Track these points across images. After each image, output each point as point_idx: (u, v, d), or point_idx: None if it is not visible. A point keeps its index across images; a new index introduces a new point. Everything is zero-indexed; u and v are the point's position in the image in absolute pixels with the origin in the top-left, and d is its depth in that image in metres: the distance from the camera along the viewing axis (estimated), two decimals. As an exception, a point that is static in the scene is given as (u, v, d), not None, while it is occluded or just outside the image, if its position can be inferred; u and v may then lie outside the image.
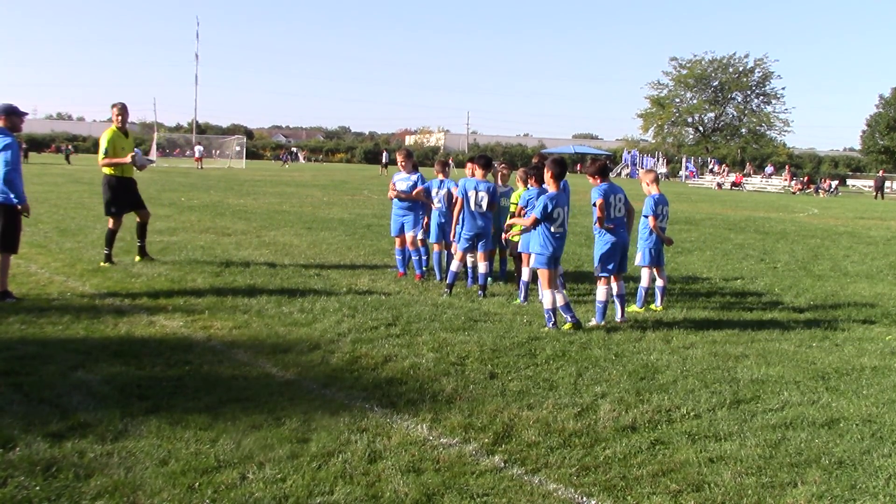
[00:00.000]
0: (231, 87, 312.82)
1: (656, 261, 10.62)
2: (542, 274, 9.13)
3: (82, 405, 5.98)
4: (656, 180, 10.83)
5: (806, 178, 70.09)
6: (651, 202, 10.54)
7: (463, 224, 10.90)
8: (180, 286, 10.79)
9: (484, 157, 11.24)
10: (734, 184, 68.64)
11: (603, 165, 9.88)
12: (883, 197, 59.80)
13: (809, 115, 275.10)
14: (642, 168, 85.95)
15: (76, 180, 36.58)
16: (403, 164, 12.36)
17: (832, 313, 10.89)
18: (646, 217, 10.54)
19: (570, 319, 9.09)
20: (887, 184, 66.35)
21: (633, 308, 10.44)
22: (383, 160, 71.60)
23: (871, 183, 67.38)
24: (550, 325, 9.04)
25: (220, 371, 7.07)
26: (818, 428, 6.18)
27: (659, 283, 10.71)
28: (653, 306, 10.59)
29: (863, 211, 38.84)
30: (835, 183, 66.97)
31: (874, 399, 6.99)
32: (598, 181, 9.62)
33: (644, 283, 10.63)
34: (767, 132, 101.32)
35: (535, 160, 11.88)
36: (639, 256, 10.63)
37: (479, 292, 10.93)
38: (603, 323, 9.44)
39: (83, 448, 5.18)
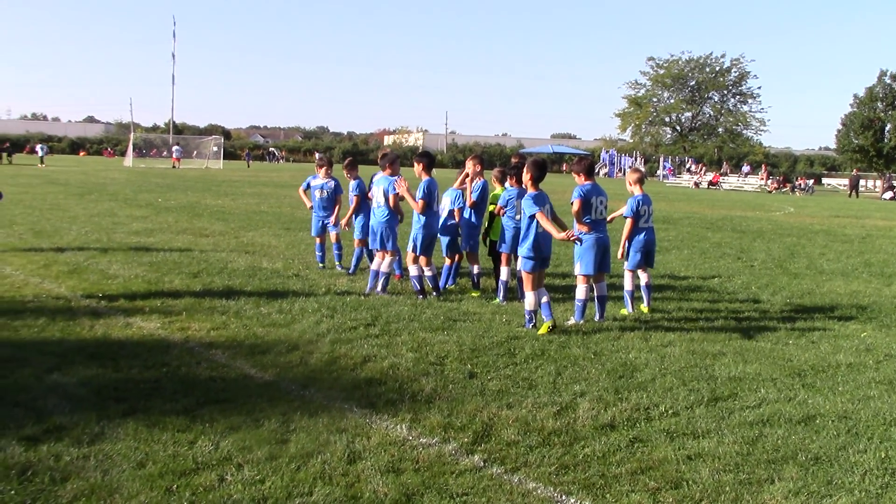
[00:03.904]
0: (208, 86, 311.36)
1: (644, 262, 10.41)
2: (527, 276, 9.04)
3: (58, 408, 5.92)
4: (641, 181, 10.60)
5: (782, 177, 70.70)
6: (633, 203, 10.29)
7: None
8: (157, 287, 10.71)
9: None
10: (711, 183, 69.13)
11: (590, 164, 9.82)
12: (858, 195, 60.42)
13: (785, 115, 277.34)
14: (620, 168, 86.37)
15: (51, 181, 36.24)
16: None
17: (808, 311, 10.98)
18: (626, 218, 10.37)
19: (547, 319, 8.97)
20: (861, 182, 67.09)
21: (623, 312, 10.29)
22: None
23: (846, 182, 68.07)
24: (529, 326, 9.02)
25: (197, 373, 7.02)
26: (794, 425, 6.23)
27: (643, 282, 10.51)
28: (641, 307, 10.43)
29: (838, 209, 39.21)
30: (810, 182, 67.65)
31: (850, 395, 7.06)
32: (583, 179, 9.60)
33: (628, 286, 10.39)
34: (744, 131, 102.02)
35: (514, 160, 11.87)
36: (629, 259, 10.40)
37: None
38: (582, 322, 9.45)
39: (59, 451, 5.13)
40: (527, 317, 9.12)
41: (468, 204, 11.21)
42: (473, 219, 11.24)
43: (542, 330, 8.88)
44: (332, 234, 13.05)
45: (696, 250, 17.76)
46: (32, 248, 13.93)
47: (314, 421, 5.87)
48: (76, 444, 5.27)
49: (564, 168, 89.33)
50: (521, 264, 9.11)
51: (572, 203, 9.46)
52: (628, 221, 10.31)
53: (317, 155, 77.75)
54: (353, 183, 12.51)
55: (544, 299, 9.05)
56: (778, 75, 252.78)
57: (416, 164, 10.88)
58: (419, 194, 10.51)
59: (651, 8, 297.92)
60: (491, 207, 11.15)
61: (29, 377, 6.65)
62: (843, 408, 6.69)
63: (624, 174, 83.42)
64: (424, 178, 10.66)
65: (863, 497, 4.97)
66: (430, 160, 10.96)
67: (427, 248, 10.63)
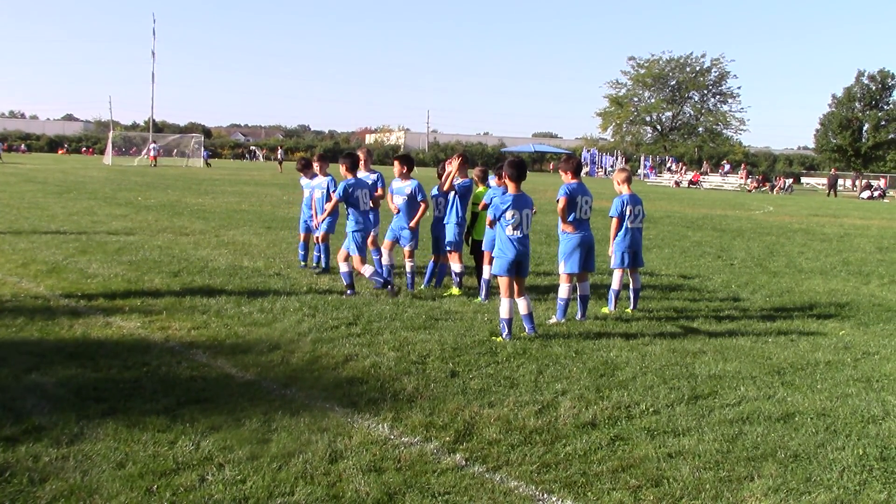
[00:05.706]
0: (189, 84, 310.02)
1: (632, 263, 10.31)
2: (501, 281, 8.65)
3: (37, 408, 5.87)
4: (628, 180, 10.49)
5: (761, 177, 71.18)
6: (618, 203, 10.19)
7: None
8: (137, 287, 10.64)
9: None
10: (691, 182, 69.48)
11: (578, 163, 9.81)
12: (836, 194, 60.92)
13: (765, 114, 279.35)
14: (601, 167, 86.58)
15: (29, 180, 35.92)
16: (364, 163, 12.33)
17: (787, 309, 11.06)
18: (611, 218, 10.28)
19: (529, 331, 8.72)
20: (839, 181, 67.68)
21: (605, 310, 10.29)
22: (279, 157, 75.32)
23: (825, 181, 68.69)
24: (505, 336, 8.52)
25: (178, 372, 6.98)
26: (774, 422, 6.27)
27: (632, 285, 10.42)
28: (627, 310, 10.33)
29: (816, 208, 39.53)
30: (789, 181, 68.14)
31: (828, 393, 7.12)
32: (570, 178, 9.61)
33: (615, 285, 10.36)
34: (724, 131, 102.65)
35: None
36: (613, 259, 10.34)
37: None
38: (563, 321, 9.47)
39: (38, 452, 5.09)
40: (501, 326, 8.62)
41: (446, 188, 11.15)
42: (457, 217, 11.21)
43: (498, 338, 8.52)
44: (319, 235, 12.85)
45: (676, 249, 17.85)
46: (12, 237, 13.80)
47: (296, 420, 5.85)
48: (55, 444, 5.23)
49: (550, 167, 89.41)
50: (493, 268, 8.82)
51: (558, 200, 9.48)
52: (614, 221, 10.25)
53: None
54: (325, 179, 12.47)
55: (523, 310, 8.73)
56: (757, 75, 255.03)
57: (340, 165, 10.95)
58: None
59: (632, 8, 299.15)
60: (473, 207, 11.14)
61: (7, 377, 6.60)
62: (821, 405, 6.75)
63: (606, 173, 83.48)
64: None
65: (841, 494, 5.02)
66: (353, 161, 11.05)
67: (361, 248, 10.80)
